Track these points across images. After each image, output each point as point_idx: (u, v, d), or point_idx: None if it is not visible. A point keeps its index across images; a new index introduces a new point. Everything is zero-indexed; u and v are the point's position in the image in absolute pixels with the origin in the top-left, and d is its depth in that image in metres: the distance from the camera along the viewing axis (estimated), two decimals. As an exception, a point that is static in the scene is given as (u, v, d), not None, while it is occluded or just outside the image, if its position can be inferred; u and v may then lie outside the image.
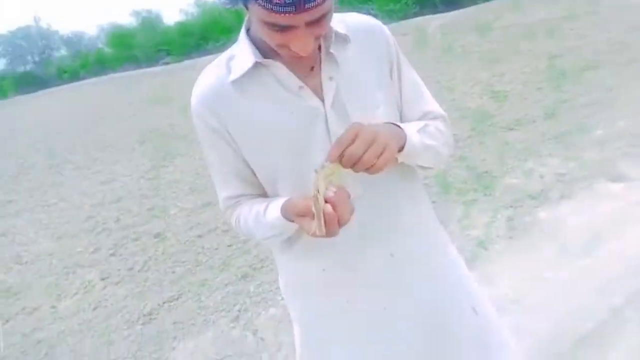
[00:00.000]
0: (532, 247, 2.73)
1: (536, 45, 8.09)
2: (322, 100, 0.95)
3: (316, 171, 0.82)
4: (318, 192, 0.80)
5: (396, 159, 0.94)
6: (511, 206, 3.25)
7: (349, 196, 0.83)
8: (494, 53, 8.32)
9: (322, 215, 0.80)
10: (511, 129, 4.78)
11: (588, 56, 6.70)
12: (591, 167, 3.55)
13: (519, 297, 2.30)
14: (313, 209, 0.80)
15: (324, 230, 0.81)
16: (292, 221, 0.90)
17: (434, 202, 3.57)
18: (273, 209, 0.96)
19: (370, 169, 0.84)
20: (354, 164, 0.83)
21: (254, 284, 3.10)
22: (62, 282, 3.63)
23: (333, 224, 0.81)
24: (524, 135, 4.52)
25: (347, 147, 0.82)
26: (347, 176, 0.85)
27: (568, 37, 8.08)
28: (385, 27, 1.06)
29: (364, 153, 0.82)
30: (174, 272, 3.45)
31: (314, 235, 0.82)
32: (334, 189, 0.81)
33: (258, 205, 1.01)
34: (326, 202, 0.80)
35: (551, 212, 3.07)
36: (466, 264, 2.56)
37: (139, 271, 3.57)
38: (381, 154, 0.83)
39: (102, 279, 3.55)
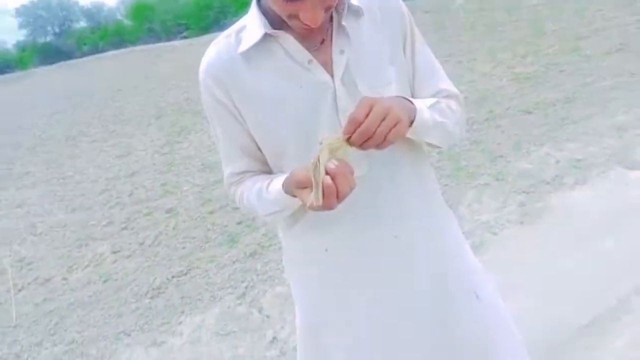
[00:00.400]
0: (542, 233, 2.68)
1: (562, 26, 7.85)
2: (332, 74, 0.93)
3: (321, 142, 0.80)
4: (319, 161, 0.77)
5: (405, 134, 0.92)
6: (524, 191, 3.19)
7: (351, 171, 0.81)
8: (518, 33, 8.11)
9: (320, 184, 0.78)
10: (530, 113, 4.67)
11: (614, 39, 6.48)
12: (608, 153, 3.46)
13: (526, 283, 2.27)
14: (312, 178, 0.78)
15: (320, 200, 0.78)
16: (294, 195, 0.88)
17: (445, 185, 3.53)
18: (276, 184, 0.94)
19: (380, 144, 0.82)
20: (365, 141, 0.81)
21: (262, 261, 3.12)
22: (74, 254, 3.71)
23: (331, 196, 0.78)
24: (542, 120, 4.41)
25: (360, 124, 0.80)
26: (353, 153, 0.83)
27: (595, 18, 7.82)
28: (401, 1, 1.02)
29: (376, 129, 0.80)
30: (183, 248, 3.49)
31: (311, 206, 0.80)
32: (336, 162, 0.79)
33: (261, 182, 1.00)
34: (327, 174, 0.78)
35: (564, 198, 3.00)
36: (474, 248, 2.53)
37: (149, 246, 3.62)
38: (393, 127, 0.81)
39: (114, 252, 3.61)
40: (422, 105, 0.94)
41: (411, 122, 0.90)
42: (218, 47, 0.97)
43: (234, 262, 3.17)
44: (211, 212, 3.97)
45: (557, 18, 8.36)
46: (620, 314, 1.99)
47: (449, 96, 1.05)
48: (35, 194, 5.26)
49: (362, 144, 0.81)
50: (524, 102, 4.98)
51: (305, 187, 0.82)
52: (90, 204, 4.67)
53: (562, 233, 2.63)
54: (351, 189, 0.80)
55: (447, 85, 1.06)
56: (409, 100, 0.92)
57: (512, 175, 3.47)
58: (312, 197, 0.79)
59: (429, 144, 1.01)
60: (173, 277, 3.14)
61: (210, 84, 0.96)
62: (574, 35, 7.11)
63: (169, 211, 4.16)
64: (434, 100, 0.99)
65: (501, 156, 3.84)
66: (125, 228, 4.00)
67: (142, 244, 3.67)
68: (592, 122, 4.10)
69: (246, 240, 3.41)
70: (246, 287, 2.89)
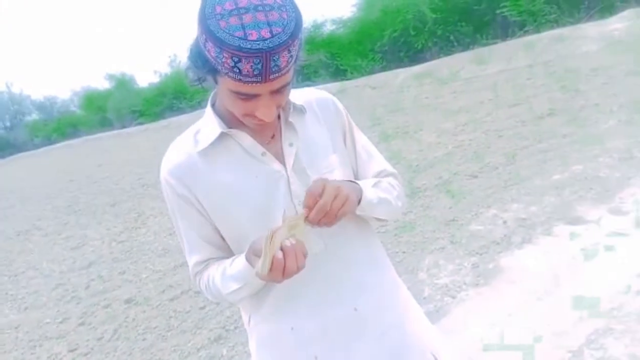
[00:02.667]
0: (496, 293, 2.78)
1: (496, 95, 8.48)
2: (284, 164, 1.04)
3: (283, 219, 0.89)
4: (273, 234, 0.85)
5: (354, 211, 1.03)
6: (477, 253, 3.33)
7: (305, 253, 0.90)
8: (458, 104, 8.68)
9: (270, 256, 0.85)
10: (475, 177, 4.94)
11: (544, 104, 7.04)
12: (550, 211, 3.68)
13: (486, 344, 2.34)
14: (263, 247, 0.85)
15: (266, 270, 0.86)
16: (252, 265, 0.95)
17: (404, 252, 3.63)
18: (239, 259, 1.01)
19: (331, 221, 0.93)
20: (322, 218, 0.91)
21: (227, 346, 3.05)
22: (27, 356, 3.50)
23: (277, 271, 0.87)
24: (487, 183, 4.68)
25: (316, 200, 0.91)
26: (309, 233, 0.92)
27: (525, 86, 8.50)
28: (336, 100, 1.18)
29: (330, 206, 0.91)
30: (144, 339, 3.37)
31: (257, 273, 0.88)
32: (294, 241, 0.88)
33: (225, 262, 1.06)
34: (281, 249, 0.86)
35: (514, 257, 3.14)
36: (434, 312, 2.60)
37: (108, 340, 3.48)
38: (343, 205, 0.93)
39: (70, 351, 3.44)
40: (366, 185, 1.07)
41: (359, 201, 1.02)
42: (176, 148, 1.07)
43: (198, 350, 3.09)
44: (172, 299, 3.89)
45: (491, 88, 9.03)
46: (574, 366, 2.07)
47: (387, 175, 1.19)
48: (-16, 294, 5.00)
49: (319, 221, 0.92)
50: (469, 167, 5.27)
51: (260, 256, 0.90)
52: (44, 301, 4.48)
53: (515, 291, 2.74)
54: (299, 269, 0.89)
55: (385, 166, 1.21)
56: (354, 182, 1.05)
57: (465, 238, 3.62)
58: (259, 265, 0.86)
59: (377, 219, 1.13)
60: (134, 371, 3.01)
61: (172, 182, 1.04)
62: (508, 103, 7.68)
63: (128, 301, 4.04)
64: (376, 180, 1.13)
65: (453, 220, 4.01)
66: (82, 324, 3.84)
67: (100, 339, 3.52)
68: (532, 182, 4.38)
69: (210, 325, 3.34)
70: (212, 375, 2.81)
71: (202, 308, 3.60)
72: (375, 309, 1.12)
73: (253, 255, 0.93)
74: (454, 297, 2.85)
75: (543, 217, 3.60)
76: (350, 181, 1.04)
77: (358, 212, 1.04)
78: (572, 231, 3.28)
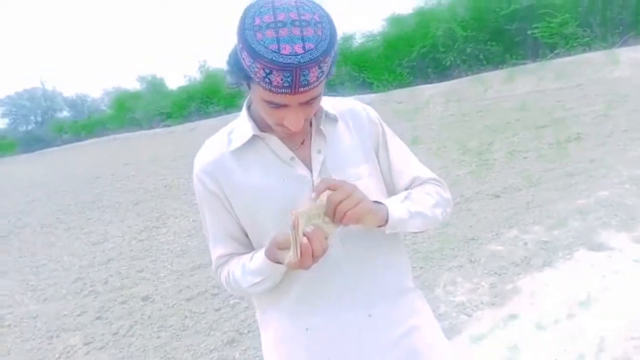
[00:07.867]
0: (513, 315, 2.74)
1: (524, 116, 8.39)
2: (311, 170, 1.07)
3: (292, 214, 0.91)
4: (298, 223, 0.90)
5: (384, 230, 1.04)
6: (496, 273, 3.29)
7: (325, 235, 0.94)
8: (483, 122, 8.62)
9: (298, 243, 0.90)
10: (498, 197, 4.89)
11: (572, 128, 6.95)
12: (573, 235, 3.62)
13: (501, 367, 2.31)
14: (290, 237, 0.90)
15: (298, 256, 0.90)
16: (275, 261, 0.99)
17: (421, 267, 3.61)
18: (258, 254, 1.05)
19: (343, 218, 0.94)
20: (333, 210, 0.94)
21: (240, 349, 3.07)
22: (44, 346, 3.57)
23: (307, 255, 0.91)
24: (509, 203, 4.62)
25: (328, 191, 0.94)
26: (327, 227, 0.95)
27: (555, 109, 8.40)
28: (370, 109, 1.20)
29: (340, 201, 0.93)
30: (158, 337, 3.41)
31: (289, 264, 0.92)
32: (312, 227, 0.92)
33: (245, 257, 1.10)
34: (304, 236, 0.91)
35: (533, 280, 3.10)
36: (450, 329, 2.58)
37: (123, 336, 3.52)
38: (355, 206, 0.94)
39: (86, 344, 3.49)
40: (394, 202, 1.07)
41: (386, 221, 1.03)
42: (210, 145, 1.12)
43: (211, 351, 3.10)
44: (188, 299, 3.93)
45: (519, 109, 8.94)
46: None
47: (425, 182, 1.18)
48: (6, 283, 5.11)
49: (333, 216, 0.94)
50: (491, 187, 5.22)
51: (285, 249, 0.95)
52: (63, 293, 4.56)
53: (532, 315, 2.70)
54: (324, 250, 0.93)
55: (422, 172, 1.19)
56: (379, 203, 1.04)
57: (484, 257, 3.58)
58: (291, 254, 0.91)
59: (413, 233, 1.13)
60: (147, 368, 3.05)
61: (203, 177, 1.09)
62: (536, 125, 7.59)
63: (144, 299, 4.09)
64: (405, 193, 1.12)
65: (473, 238, 3.97)
66: (98, 318, 3.90)
67: (115, 334, 3.57)
68: (555, 205, 4.31)
69: (224, 327, 3.36)
70: (223, 377, 2.82)
71: (218, 310, 3.63)
72: (389, 317, 1.12)
73: (277, 249, 0.97)
74: (469, 316, 2.82)
75: (565, 242, 3.54)
76: (376, 202, 1.03)
77: (388, 231, 1.05)
78: (594, 257, 3.22)
